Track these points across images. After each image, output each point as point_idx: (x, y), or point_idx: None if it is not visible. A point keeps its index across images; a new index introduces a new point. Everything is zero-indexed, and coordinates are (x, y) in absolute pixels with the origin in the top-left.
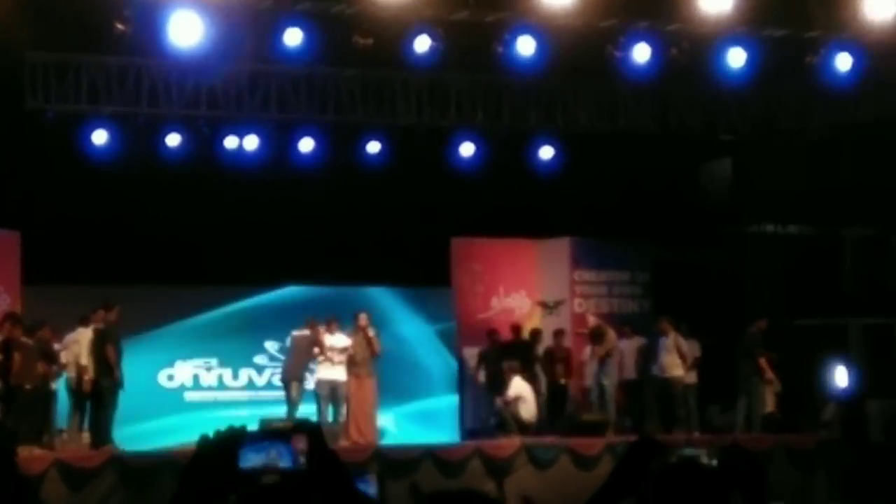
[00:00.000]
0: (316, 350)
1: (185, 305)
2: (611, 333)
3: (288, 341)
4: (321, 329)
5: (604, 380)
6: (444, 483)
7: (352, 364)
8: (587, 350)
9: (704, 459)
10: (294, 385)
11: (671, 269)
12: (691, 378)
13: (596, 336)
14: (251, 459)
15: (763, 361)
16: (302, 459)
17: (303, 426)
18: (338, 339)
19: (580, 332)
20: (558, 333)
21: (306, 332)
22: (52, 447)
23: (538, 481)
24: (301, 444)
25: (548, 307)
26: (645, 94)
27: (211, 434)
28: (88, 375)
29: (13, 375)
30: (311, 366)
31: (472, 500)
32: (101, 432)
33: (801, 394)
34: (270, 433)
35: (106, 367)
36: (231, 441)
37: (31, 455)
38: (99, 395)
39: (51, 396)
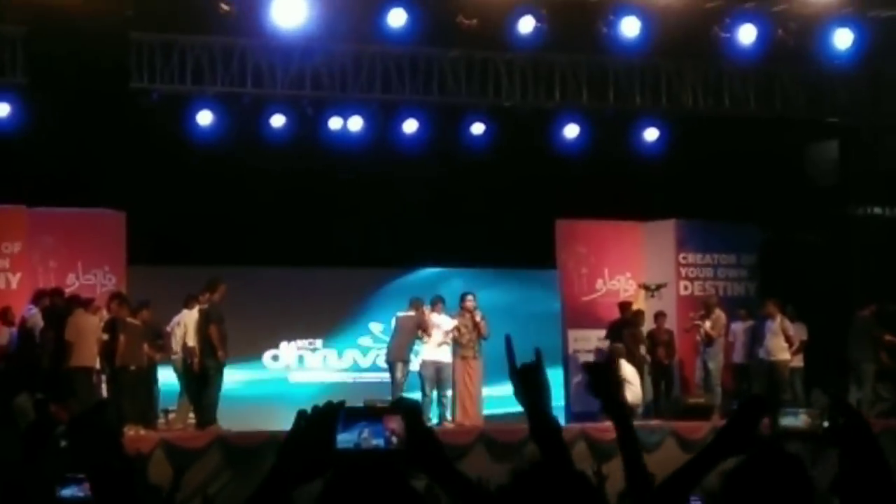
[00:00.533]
0: (420, 332)
1: (290, 287)
2: (720, 313)
3: (392, 322)
4: (426, 310)
5: (709, 363)
6: None
7: (458, 346)
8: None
9: (805, 420)
10: (399, 366)
11: (778, 252)
12: (798, 361)
13: (706, 307)
14: (344, 438)
15: (888, 340)
16: (395, 439)
17: (399, 405)
18: (442, 321)
19: (688, 329)
20: (659, 315)
21: (411, 313)
22: (157, 428)
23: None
24: (396, 423)
25: (650, 290)
26: (751, 76)
27: (308, 410)
28: (195, 356)
29: (119, 356)
30: (416, 347)
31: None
32: (207, 412)
33: None
34: (365, 411)
35: (210, 348)
36: (328, 418)
37: (137, 435)
38: (204, 376)
39: (155, 377)
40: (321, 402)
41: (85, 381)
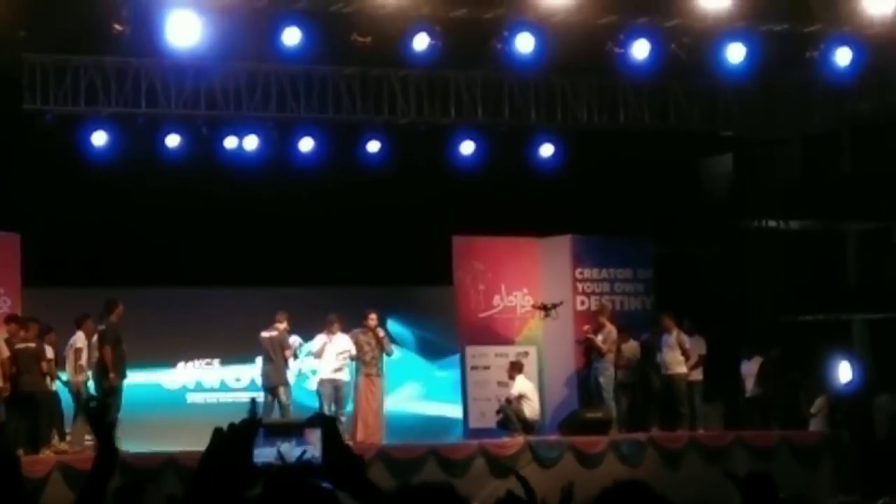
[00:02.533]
0: (287, 352)
1: (187, 306)
2: (611, 327)
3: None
4: (280, 326)
5: (600, 378)
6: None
7: (362, 363)
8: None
9: None
10: (281, 389)
11: (673, 266)
12: (697, 375)
13: (597, 313)
14: (264, 453)
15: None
16: (315, 453)
17: (316, 419)
18: (339, 340)
19: (579, 340)
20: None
21: (274, 332)
22: (56, 450)
23: (543, 479)
24: (313, 437)
25: (547, 309)
26: (645, 90)
27: (224, 428)
28: (84, 378)
29: (13, 379)
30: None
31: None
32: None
33: (802, 390)
34: (283, 426)
35: (103, 369)
36: (245, 435)
37: (34, 458)
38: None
39: (54, 400)
40: (234, 420)
41: None
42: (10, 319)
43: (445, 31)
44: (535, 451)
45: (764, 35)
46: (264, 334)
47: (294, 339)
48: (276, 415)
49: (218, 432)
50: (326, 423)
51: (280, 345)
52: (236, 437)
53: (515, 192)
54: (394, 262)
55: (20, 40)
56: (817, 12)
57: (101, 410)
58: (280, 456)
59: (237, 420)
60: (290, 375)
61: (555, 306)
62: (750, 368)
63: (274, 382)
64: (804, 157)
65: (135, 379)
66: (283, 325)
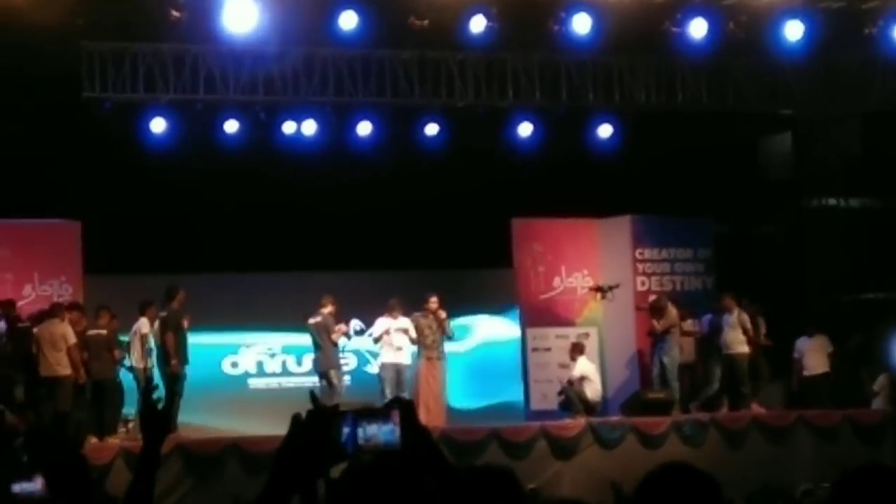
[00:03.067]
0: (334, 336)
1: (249, 293)
2: (671, 309)
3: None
4: (328, 310)
5: (664, 357)
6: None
7: (423, 347)
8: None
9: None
10: (333, 373)
11: (733, 245)
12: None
13: (656, 310)
14: (351, 434)
15: None
16: (397, 437)
17: (397, 403)
18: (400, 322)
19: (641, 306)
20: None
21: (318, 318)
22: (119, 437)
23: (605, 461)
24: (396, 421)
25: (603, 291)
26: (703, 70)
27: (302, 414)
28: (149, 363)
29: (83, 367)
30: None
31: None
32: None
33: (863, 368)
34: (366, 411)
35: (165, 356)
36: (325, 419)
37: (97, 445)
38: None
39: (117, 386)
40: (295, 407)
41: (55, 391)
42: (73, 307)
43: (502, 13)
44: (596, 432)
45: (822, 12)
46: (311, 320)
47: (354, 322)
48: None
49: (296, 418)
50: (405, 406)
51: (326, 329)
52: (315, 421)
53: (574, 173)
54: (453, 246)
55: (78, 29)
56: None
57: (153, 410)
58: (367, 439)
59: (297, 407)
60: (346, 358)
61: (611, 288)
62: (811, 345)
63: (324, 367)
64: (864, 135)
65: (197, 364)
66: (327, 310)
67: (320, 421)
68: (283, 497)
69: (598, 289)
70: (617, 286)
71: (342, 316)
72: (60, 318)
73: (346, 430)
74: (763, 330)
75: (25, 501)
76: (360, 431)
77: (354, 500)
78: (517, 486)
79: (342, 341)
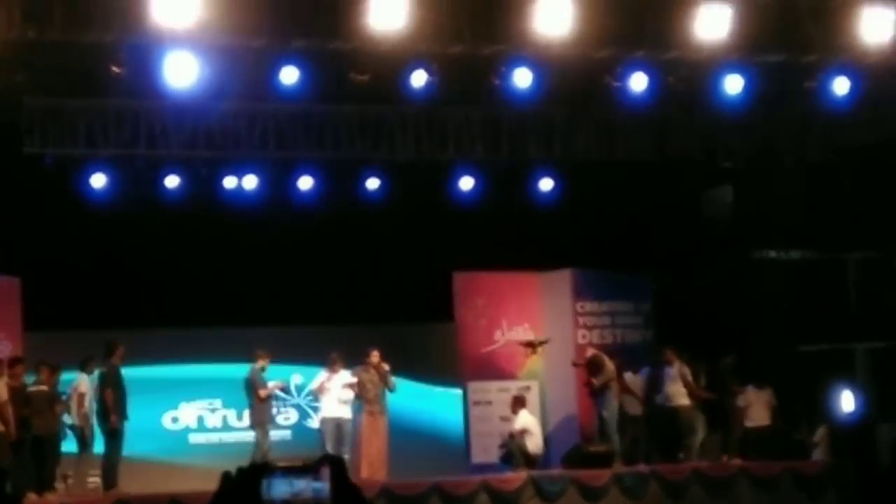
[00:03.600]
0: (262, 391)
1: (188, 347)
2: (609, 364)
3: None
4: (258, 364)
5: (603, 411)
6: None
7: (365, 401)
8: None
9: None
10: (257, 431)
11: (674, 298)
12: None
13: (593, 366)
14: (279, 491)
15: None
16: (327, 492)
17: (327, 459)
18: (341, 377)
19: (577, 363)
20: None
21: (249, 373)
22: (59, 492)
23: None
24: (326, 475)
25: (534, 346)
26: (643, 123)
27: (232, 472)
28: (89, 420)
29: (30, 423)
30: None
31: None
32: (106, 476)
33: (807, 422)
34: (296, 468)
35: (105, 411)
36: (253, 476)
37: (37, 500)
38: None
39: (57, 442)
40: (236, 461)
41: None
42: (15, 361)
43: (443, 67)
44: (538, 485)
45: (761, 66)
46: (246, 375)
47: (294, 377)
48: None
49: (226, 476)
50: (335, 463)
51: (253, 384)
52: (244, 479)
53: (515, 226)
54: (395, 300)
55: (19, 85)
56: (814, 42)
57: None
58: (295, 493)
59: (239, 461)
60: (287, 413)
61: (541, 343)
62: (756, 397)
63: (252, 422)
64: (805, 186)
65: (137, 420)
66: (258, 364)
67: (250, 477)
68: None
69: (529, 344)
70: (547, 341)
71: (281, 371)
72: None
73: (274, 485)
74: (703, 383)
75: None
76: (288, 487)
77: None
78: None
79: (280, 394)
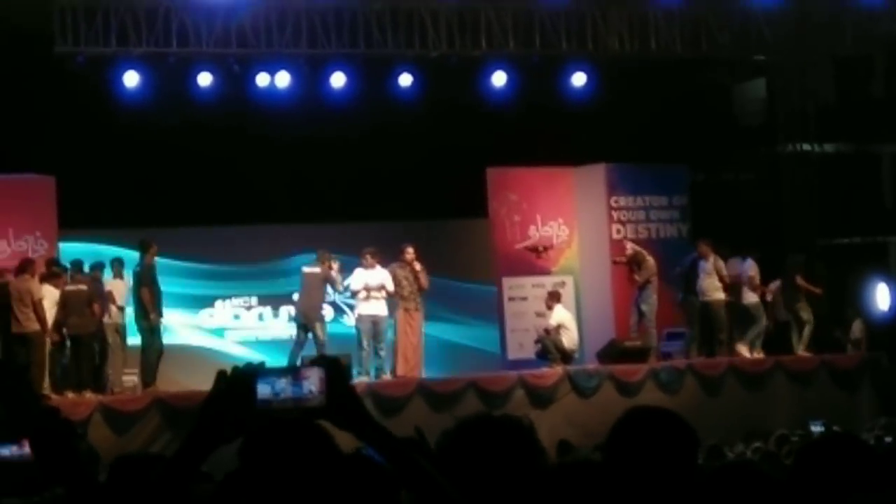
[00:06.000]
0: (330, 286)
1: (223, 245)
2: (650, 260)
3: (300, 278)
4: (333, 264)
5: (642, 306)
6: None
7: (400, 298)
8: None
9: None
10: (318, 326)
11: (708, 192)
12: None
13: (634, 263)
14: (266, 394)
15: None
16: (314, 393)
17: (320, 361)
18: (378, 274)
19: (618, 259)
20: None
21: (317, 269)
22: (100, 391)
23: (582, 409)
24: (316, 378)
25: (537, 251)
26: (676, 17)
27: (228, 370)
28: (122, 319)
29: (61, 323)
30: (326, 303)
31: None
32: (146, 373)
33: (839, 314)
34: (287, 369)
35: (142, 310)
36: (248, 377)
37: (75, 399)
38: (140, 338)
39: (96, 342)
40: (240, 364)
41: (27, 346)
42: (53, 263)
43: None
44: (573, 380)
45: None
46: (306, 269)
47: (379, 272)
48: (309, 352)
49: (221, 375)
50: (331, 365)
51: (324, 280)
52: (239, 379)
53: (548, 122)
54: (429, 196)
55: None
56: None
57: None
58: (276, 393)
59: (275, 358)
60: (328, 311)
61: (546, 249)
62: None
63: (310, 319)
64: (837, 80)
65: (172, 319)
66: (327, 265)
67: (245, 378)
68: (201, 453)
69: (534, 249)
70: (551, 247)
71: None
72: (30, 274)
73: (267, 387)
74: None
75: (11, 465)
76: (283, 389)
77: (271, 456)
78: (534, 438)
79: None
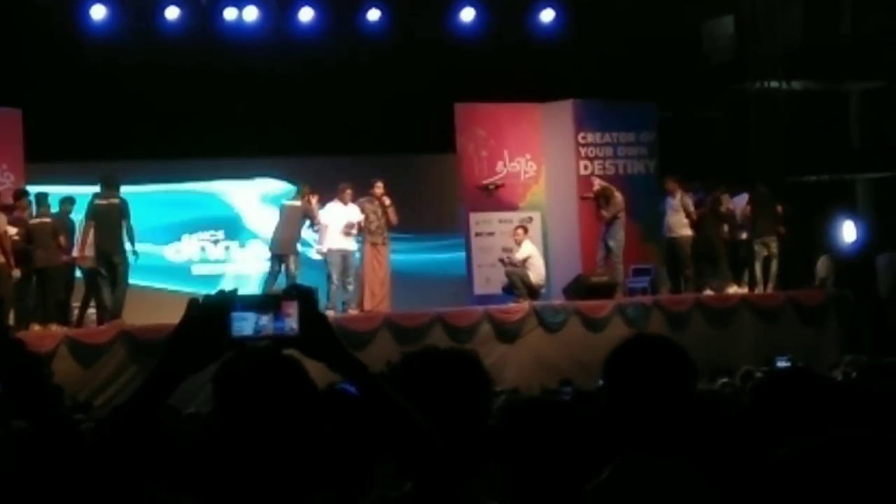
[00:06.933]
0: (307, 222)
1: (189, 179)
2: (618, 196)
3: (278, 211)
4: (311, 198)
5: (609, 241)
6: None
7: (367, 232)
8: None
9: None
10: (291, 259)
11: (677, 129)
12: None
13: (602, 198)
14: (241, 326)
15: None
16: (293, 325)
17: (293, 291)
18: (349, 209)
19: (587, 195)
20: None
21: (297, 202)
22: (66, 324)
23: (549, 344)
24: (291, 310)
25: (488, 189)
26: None
27: (200, 299)
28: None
29: (33, 255)
30: (303, 237)
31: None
32: (114, 308)
33: (805, 251)
34: (261, 298)
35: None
36: (221, 306)
37: (40, 332)
38: (111, 272)
39: (62, 274)
40: (213, 292)
41: None
42: (20, 195)
43: None
44: (540, 316)
45: None
46: (286, 202)
47: (350, 208)
48: (280, 283)
49: (192, 303)
50: (303, 295)
51: (304, 213)
52: (211, 308)
53: (517, 57)
54: (397, 131)
55: None
56: None
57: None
58: (256, 330)
59: (243, 291)
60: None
61: (497, 186)
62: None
63: (285, 251)
64: (806, 17)
65: (140, 252)
66: (307, 199)
67: (219, 306)
68: (169, 383)
69: (484, 188)
70: (501, 185)
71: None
72: None
73: (240, 317)
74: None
75: None
76: (255, 319)
77: (247, 386)
78: (481, 370)
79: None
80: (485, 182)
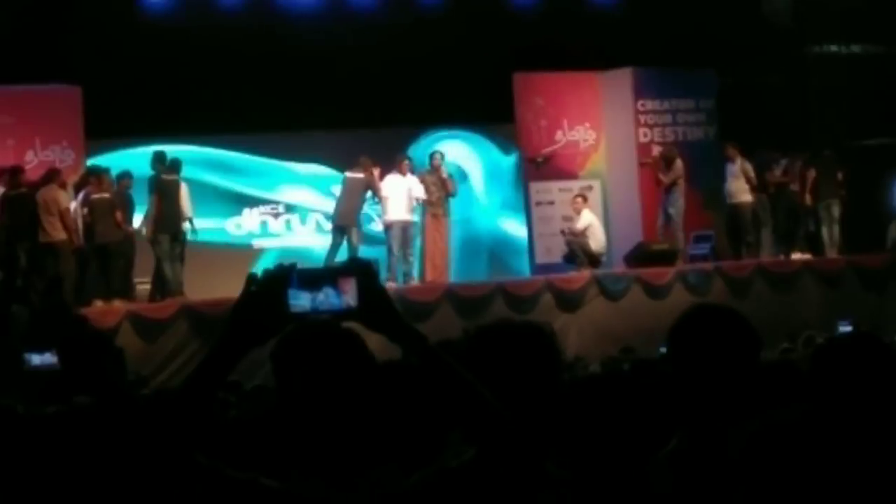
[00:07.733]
0: (369, 194)
1: (249, 154)
2: (679, 162)
3: (341, 184)
4: (374, 170)
5: (669, 208)
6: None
7: (428, 204)
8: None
9: None
10: (353, 231)
11: (736, 95)
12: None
13: (665, 160)
14: (300, 300)
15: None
16: (350, 299)
17: (352, 265)
18: (408, 181)
19: (645, 161)
20: None
21: (359, 174)
22: (133, 300)
23: (610, 312)
24: (348, 286)
25: (537, 163)
26: None
27: (259, 274)
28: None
29: (88, 231)
30: (365, 209)
31: (519, 330)
32: (173, 283)
33: (868, 215)
34: (320, 273)
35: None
36: (279, 280)
37: (103, 308)
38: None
39: (122, 250)
40: (271, 266)
41: (55, 256)
42: (96, 171)
43: None
44: (601, 284)
45: None
46: (349, 174)
47: (410, 179)
48: (342, 256)
49: (251, 278)
50: (362, 269)
51: (366, 185)
52: (270, 282)
53: (575, 26)
54: (455, 102)
55: None
56: None
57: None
58: (314, 306)
59: (303, 265)
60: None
61: (546, 160)
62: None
63: (347, 222)
64: None
65: (200, 227)
66: (369, 171)
67: (277, 280)
68: (231, 359)
69: (532, 160)
70: (551, 156)
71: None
72: (57, 184)
73: (299, 291)
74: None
75: (42, 373)
76: (313, 294)
77: (307, 359)
78: (554, 343)
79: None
80: (533, 155)
